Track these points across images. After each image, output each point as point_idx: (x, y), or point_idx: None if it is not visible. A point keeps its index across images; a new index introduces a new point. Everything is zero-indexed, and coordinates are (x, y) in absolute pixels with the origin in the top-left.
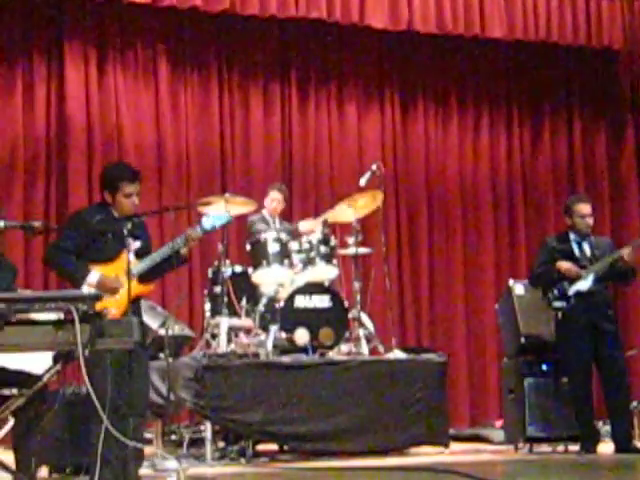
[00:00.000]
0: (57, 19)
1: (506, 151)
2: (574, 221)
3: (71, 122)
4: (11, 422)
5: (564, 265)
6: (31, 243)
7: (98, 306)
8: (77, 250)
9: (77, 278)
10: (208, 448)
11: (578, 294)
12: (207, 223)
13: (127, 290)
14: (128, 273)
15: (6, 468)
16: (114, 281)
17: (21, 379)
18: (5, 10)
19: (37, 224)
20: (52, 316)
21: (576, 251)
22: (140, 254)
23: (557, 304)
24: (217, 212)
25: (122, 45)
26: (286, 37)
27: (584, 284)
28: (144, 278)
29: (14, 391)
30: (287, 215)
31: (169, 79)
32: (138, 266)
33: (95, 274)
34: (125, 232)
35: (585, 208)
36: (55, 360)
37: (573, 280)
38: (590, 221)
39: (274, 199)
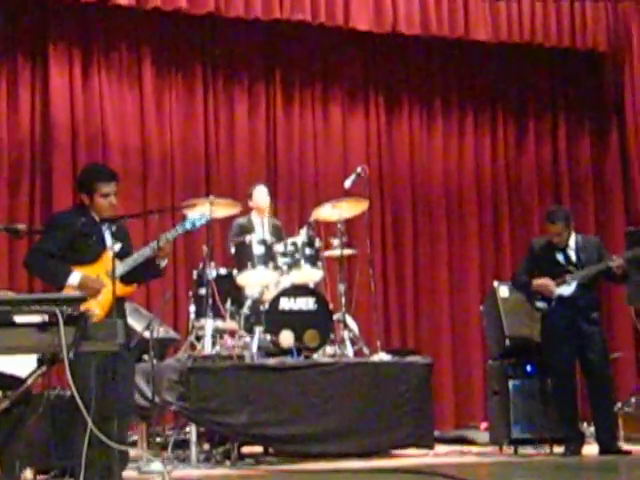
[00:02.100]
0: (41, 21)
1: (491, 153)
2: (550, 236)
3: (55, 124)
4: None
5: (539, 287)
6: (15, 245)
7: (81, 307)
8: (58, 252)
9: (58, 280)
10: (193, 450)
11: (561, 298)
12: (187, 223)
13: (110, 291)
14: (113, 274)
15: None
16: (96, 282)
17: (5, 382)
18: None
19: (21, 227)
20: (36, 318)
21: (560, 257)
22: (120, 256)
23: (540, 305)
24: (197, 213)
25: (106, 47)
26: (271, 39)
27: (567, 289)
28: (126, 279)
29: None
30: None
31: (154, 81)
32: (120, 267)
33: (77, 275)
34: (108, 234)
35: (553, 228)
36: (39, 363)
37: (557, 284)
38: (561, 237)
39: (262, 191)
